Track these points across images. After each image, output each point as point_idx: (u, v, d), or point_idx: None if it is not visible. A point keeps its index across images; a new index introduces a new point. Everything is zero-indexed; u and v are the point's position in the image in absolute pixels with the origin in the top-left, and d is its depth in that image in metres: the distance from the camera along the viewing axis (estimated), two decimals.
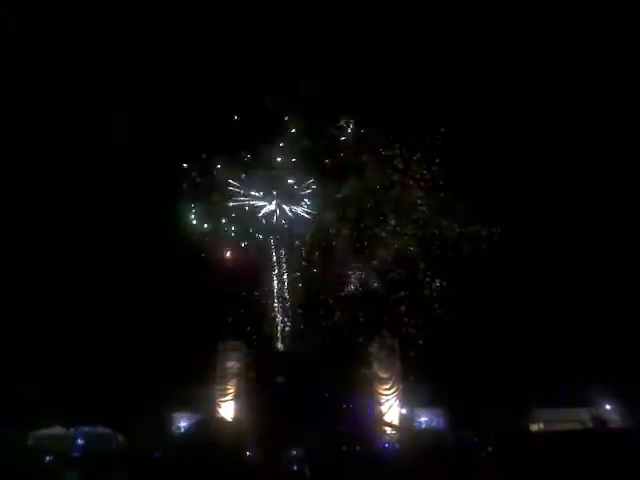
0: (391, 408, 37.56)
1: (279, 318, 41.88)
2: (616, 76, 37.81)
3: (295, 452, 31.57)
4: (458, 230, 39.58)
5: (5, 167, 39.91)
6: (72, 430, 36.81)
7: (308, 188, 42.71)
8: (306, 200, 42.89)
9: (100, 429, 37.08)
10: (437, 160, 40.60)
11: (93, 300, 40.82)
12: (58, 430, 36.93)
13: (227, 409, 37.84)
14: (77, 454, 34.36)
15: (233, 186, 42.83)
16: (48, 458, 32.42)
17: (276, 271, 43.10)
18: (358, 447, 32.33)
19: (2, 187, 40.24)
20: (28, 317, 39.74)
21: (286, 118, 41.70)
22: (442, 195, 40.22)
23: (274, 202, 43.08)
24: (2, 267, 39.73)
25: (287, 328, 41.51)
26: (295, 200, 43.00)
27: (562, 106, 40.06)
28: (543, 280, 39.04)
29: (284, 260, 43.17)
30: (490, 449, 31.15)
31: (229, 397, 38.24)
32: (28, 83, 40.13)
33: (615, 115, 39.02)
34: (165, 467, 30.23)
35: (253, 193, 43.07)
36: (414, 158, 41.01)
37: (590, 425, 34.68)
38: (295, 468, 28.32)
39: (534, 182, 39.94)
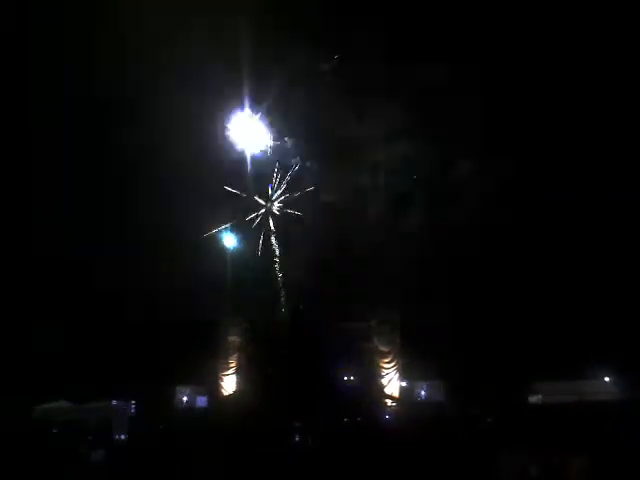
0: (391, 381, 38.15)
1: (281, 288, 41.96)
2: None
3: (297, 423, 32.05)
4: None
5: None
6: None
7: None
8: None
9: (105, 403, 37.53)
10: None
11: (95, 275, 40.92)
12: (63, 404, 37.36)
13: (229, 383, 38.41)
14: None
15: None
16: (54, 430, 32.90)
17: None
18: (359, 418, 32.79)
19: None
20: (30, 292, 39.92)
21: None
22: None
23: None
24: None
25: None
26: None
27: None
28: (543, 253, 39.07)
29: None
30: (489, 420, 31.59)
31: (231, 371, 38.80)
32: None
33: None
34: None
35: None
36: None
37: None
38: (297, 438, 28.74)
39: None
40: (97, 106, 39.30)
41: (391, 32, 38.49)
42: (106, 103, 38.96)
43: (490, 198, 39.59)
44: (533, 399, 37.33)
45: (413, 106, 38.92)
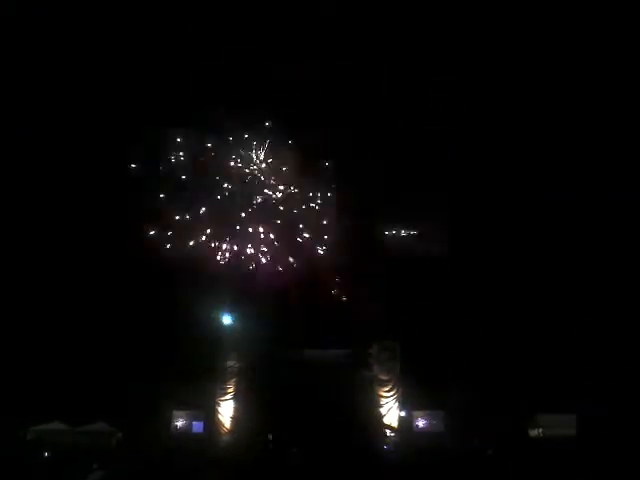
0: (390, 410, 37.71)
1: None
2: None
3: (293, 451, 31.80)
4: None
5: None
6: None
7: None
8: None
9: (100, 425, 37.17)
10: None
11: (92, 295, 40.73)
12: (57, 425, 36.97)
13: (226, 408, 37.95)
14: None
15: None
16: (47, 454, 32.45)
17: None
18: (357, 447, 32.48)
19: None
20: (26, 311, 39.66)
21: None
22: None
23: None
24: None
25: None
26: None
27: None
28: (544, 283, 39.09)
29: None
30: (490, 452, 31.28)
31: (229, 396, 38.33)
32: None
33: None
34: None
35: None
36: None
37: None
38: (294, 465, 28.56)
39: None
40: None
41: None
42: None
43: (495, 220, 39.95)
44: (534, 432, 36.99)
45: None
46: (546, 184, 39.39)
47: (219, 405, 38.20)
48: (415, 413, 38.27)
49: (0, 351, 36.95)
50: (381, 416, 37.64)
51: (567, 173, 38.58)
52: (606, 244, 38.01)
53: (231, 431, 37.41)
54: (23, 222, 40.12)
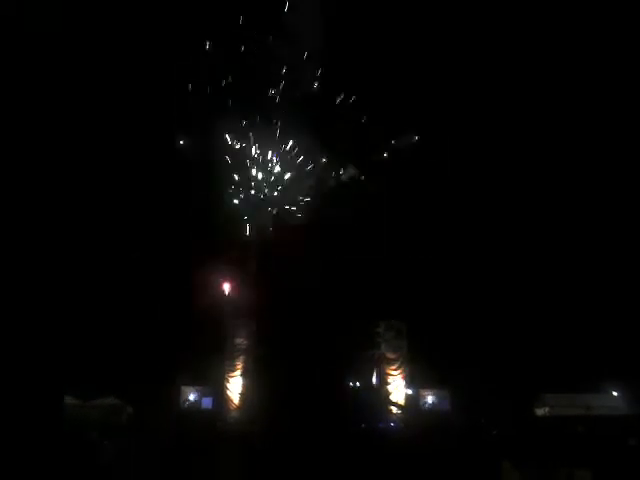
0: (397, 388, 38.03)
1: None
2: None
3: (301, 429, 32.00)
4: None
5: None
6: None
7: None
8: None
9: (110, 400, 37.68)
10: None
11: (103, 274, 40.95)
12: (68, 399, 37.43)
13: (235, 384, 38.43)
14: None
15: None
16: None
17: None
18: (364, 425, 32.75)
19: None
20: (37, 285, 39.91)
21: None
22: None
23: None
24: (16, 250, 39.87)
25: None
26: None
27: None
28: (554, 263, 38.92)
29: None
30: (495, 432, 31.45)
31: (237, 373, 38.79)
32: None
33: None
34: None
35: None
36: None
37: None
38: (300, 446, 28.72)
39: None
40: None
41: None
42: None
43: (497, 202, 39.66)
44: (540, 411, 37.21)
45: None
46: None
47: (228, 381, 38.65)
48: (422, 391, 38.57)
49: (8, 327, 37.35)
50: (388, 394, 37.98)
51: None
52: (606, 237, 37.83)
53: (239, 407, 37.90)
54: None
